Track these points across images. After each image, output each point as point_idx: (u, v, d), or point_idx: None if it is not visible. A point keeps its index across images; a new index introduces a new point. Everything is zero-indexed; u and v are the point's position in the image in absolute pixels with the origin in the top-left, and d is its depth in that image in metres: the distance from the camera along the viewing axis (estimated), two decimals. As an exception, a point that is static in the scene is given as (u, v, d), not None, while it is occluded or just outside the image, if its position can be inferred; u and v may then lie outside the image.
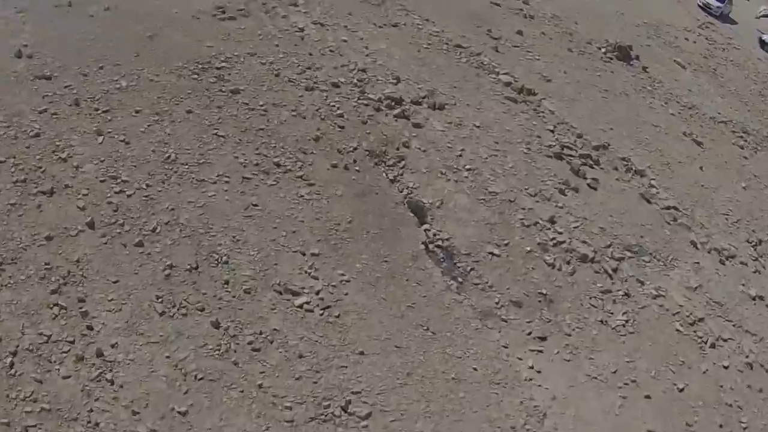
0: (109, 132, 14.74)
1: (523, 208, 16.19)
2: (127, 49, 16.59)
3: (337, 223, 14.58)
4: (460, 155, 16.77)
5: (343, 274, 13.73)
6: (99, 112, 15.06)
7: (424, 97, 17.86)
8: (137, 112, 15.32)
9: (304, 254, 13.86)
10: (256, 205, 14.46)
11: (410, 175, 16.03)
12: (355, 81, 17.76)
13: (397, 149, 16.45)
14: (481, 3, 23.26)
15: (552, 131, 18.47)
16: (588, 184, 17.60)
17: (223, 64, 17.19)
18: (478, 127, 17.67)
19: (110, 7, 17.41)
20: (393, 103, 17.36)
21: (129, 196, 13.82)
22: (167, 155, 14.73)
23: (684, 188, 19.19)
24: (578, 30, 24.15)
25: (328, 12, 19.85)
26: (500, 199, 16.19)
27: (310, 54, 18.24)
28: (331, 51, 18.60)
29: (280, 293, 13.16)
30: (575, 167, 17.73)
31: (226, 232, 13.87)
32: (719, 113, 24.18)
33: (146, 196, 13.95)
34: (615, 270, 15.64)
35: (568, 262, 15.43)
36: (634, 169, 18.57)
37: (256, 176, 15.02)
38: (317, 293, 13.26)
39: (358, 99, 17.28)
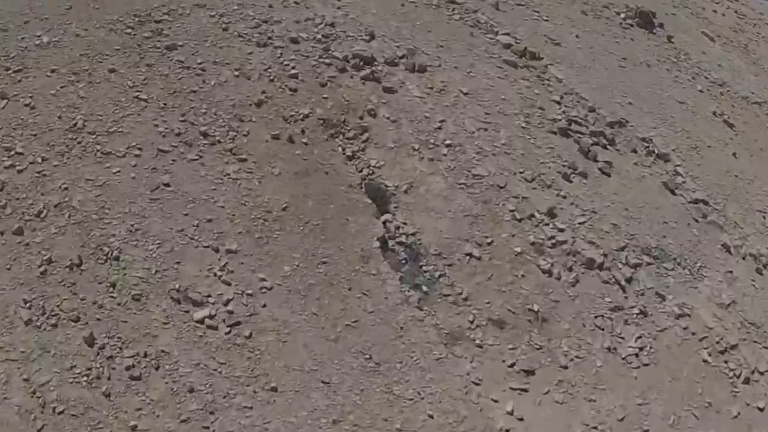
0: (15, 95, 11.50)
1: (516, 197, 12.09)
2: (59, 2, 13.13)
3: (267, 211, 10.67)
4: (440, 128, 12.65)
5: (264, 279, 9.88)
6: (10, 72, 11.84)
7: (401, 57, 13.73)
8: (53, 71, 11.98)
9: (217, 250, 10.07)
10: (167, 185, 10.73)
11: (373, 151, 11.99)
12: (319, 37, 13.73)
13: (360, 118, 12.42)
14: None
15: (558, 103, 14.26)
16: (600, 169, 13.35)
17: (164, 17, 13.48)
18: (466, 94, 13.52)
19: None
20: (362, 63, 13.28)
21: (20, 171, 10.59)
22: (74, 122, 11.32)
23: (715, 178, 14.89)
24: (594, -8, 19.61)
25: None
26: (486, 183, 12.08)
27: (270, 6, 14.28)
28: (295, 3, 14.59)
29: (178, 302, 9.44)
30: (585, 147, 13.46)
31: (124, 219, 10.26)
32: (753, 93, 19.75)
33: (39, 172, 10.66)
34: (629, 280, 11.49)
35: (570, 269, 11.31)
36: (656, 152, 14.29)
37: (175, 148, 11.29)
38: (225, 304, 9.49)
39: (320, 57, 13.25)
